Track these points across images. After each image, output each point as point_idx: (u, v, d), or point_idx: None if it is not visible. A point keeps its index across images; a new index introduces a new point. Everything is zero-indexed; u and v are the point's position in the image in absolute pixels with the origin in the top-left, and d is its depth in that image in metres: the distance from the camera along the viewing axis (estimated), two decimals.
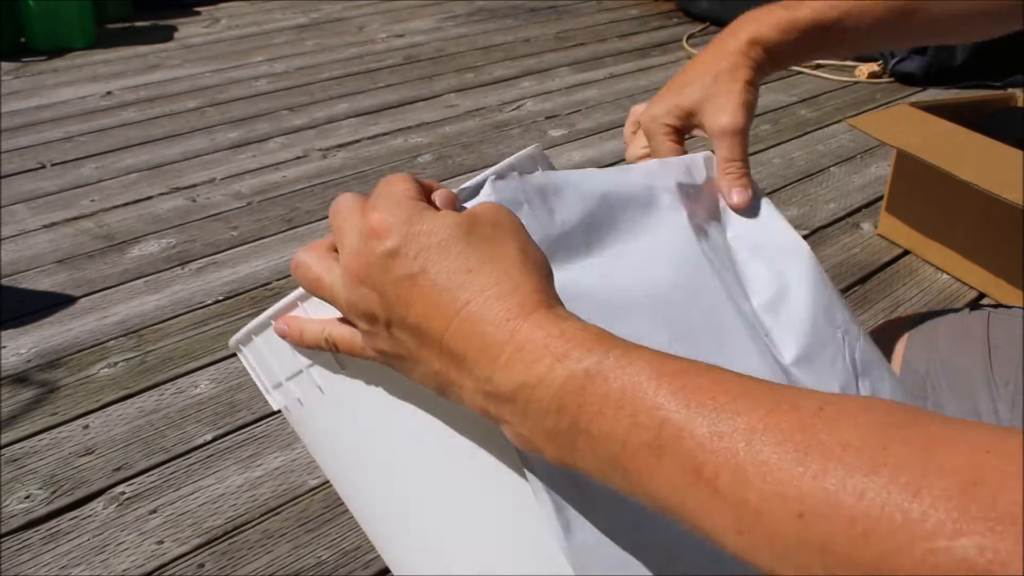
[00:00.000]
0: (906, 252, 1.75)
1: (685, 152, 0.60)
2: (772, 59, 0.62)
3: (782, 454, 0.29)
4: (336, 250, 0.42)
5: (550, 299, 0.38)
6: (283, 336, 0.46)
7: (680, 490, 0.31)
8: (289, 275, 1.66)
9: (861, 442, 0.28)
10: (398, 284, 0.38)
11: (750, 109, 0.60)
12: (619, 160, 2.21)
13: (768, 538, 0.28)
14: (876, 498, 0.26)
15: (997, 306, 0.74)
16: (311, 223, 1.85)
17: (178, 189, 2.04)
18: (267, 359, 0.48)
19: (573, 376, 0.34)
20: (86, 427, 1.27)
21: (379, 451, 0.45)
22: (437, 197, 0.41)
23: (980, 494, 0.25)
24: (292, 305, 0.46)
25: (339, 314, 0.43)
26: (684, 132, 0.63)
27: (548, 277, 0.39)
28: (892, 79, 2.74)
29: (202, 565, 1.04)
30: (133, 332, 1.49)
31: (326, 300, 0.42)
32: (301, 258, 0.43)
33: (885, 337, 0.80)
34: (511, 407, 0.36)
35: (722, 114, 0.59)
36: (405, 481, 0.44)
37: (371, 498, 0.47)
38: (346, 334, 0.43)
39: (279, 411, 0.50)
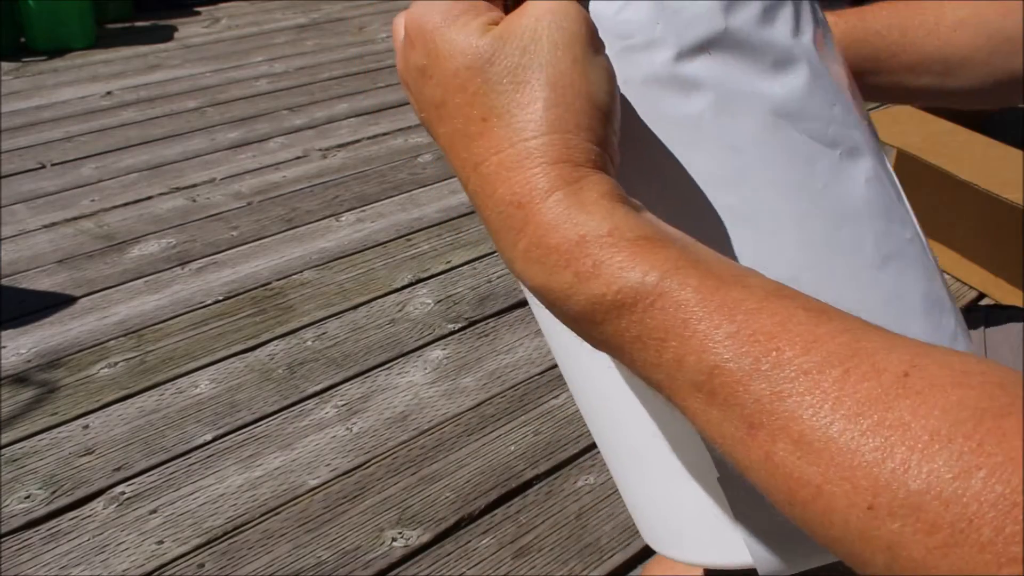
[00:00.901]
0: None
1: None
2: None
3: (856, 435, 0.24)
4: None
5: (575, 171, 0.29)
6: None
7: (730, 442, 0.27)
8: (288, 275, 1.66)
9: (952, 432, 0.23)
10: (428, 106, 0.32)
11: None
12: None
13: (825, 520, 0.25)
14: (965, 509, 0.22)
15: (994, 306, 0.74)
16: (311, 223, 1.85)
17: (178, 189, 2.04)
18: None
19: (601, 299, 0.28)
20: (86, 427, 1.26)
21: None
22: None
23: None
24: None
25: None
26: None
27: (596, 125, 0.30)
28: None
29: (202, 565, 1.04)
30: (133, 332, 1.49)
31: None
32: (396, 22, 0.36)
33: None
34: (539, 296, 0.30)
35: None
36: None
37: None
38: None
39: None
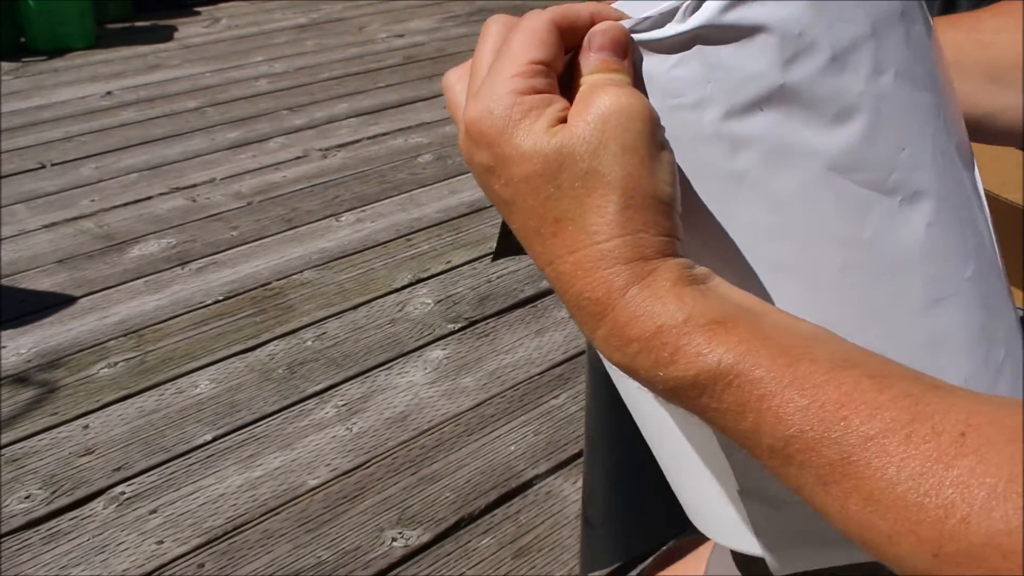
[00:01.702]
0: None
1: None
2: None
3: (920, 494, 0.26)
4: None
5: (647, 266, 0.31)
6: None
7: (807, 492, 0.29)
8: (288, 275, 1.66)
9: (1007, 489, 0.25)
10: (498, 200, 0.33)
11: None
12: None
13: (896, 561, 0.27)
14: (1019, 562, 0.24)
15: None
16: (311, 223, 1.85)
17: (178, 189, 2.04)
18: None
19: (681, 383, 0.30)
20: (86, 427, 1.26)
21: None
22: (595, 43, 0.33)
23: None
24: None
25: None
26: None
27: (663, 218, 0.32)
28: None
29: (202, 565, 1.04)
30: (133, 332, 1.49)
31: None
32: (448, 80, 0.36)
33: None
34: (623, 371, 0.32)
35: None
36: None
37: None
38: None
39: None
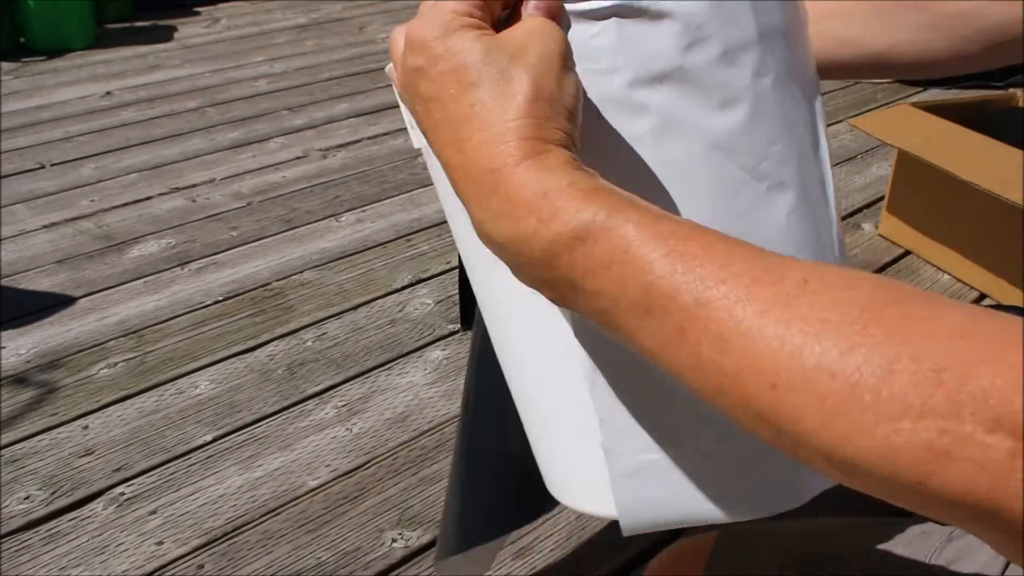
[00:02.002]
0: (907, 252, 1.75)
1: None
2: None
3: (762, 326, 0.29)
4: None
5: (543, 146, 0.36)
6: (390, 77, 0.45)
7: (666, 349, 0.32)
8: (288, 275, 1.66)
9: (840, 319, 0.28)
10: (420, 103, 0.38)
11: None
12: None
13: (744, 403, 0.30)
14: (848, 378, 0.27)
15: (994, 307, 0.74)
16: (311, 223, 1.85)
17: (178, 189, 2.04)
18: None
19: (559, 237, 0.34)
20: (86, 428, 1.26)
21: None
22: (531, 5, 0.40)
23: (948, 379, 0.25)
24: None
25: None
26: None
27: (562, 119, 0.37)
28: (894, 79, 2.74)
29: (202, 566, 1.04)
30: (133, 332, 1.49)
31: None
32: (394, 33, 0.42)
33: None
34: (504, 253, 0.36)
35: None
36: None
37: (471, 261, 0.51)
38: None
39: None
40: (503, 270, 0.39)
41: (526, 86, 0.36)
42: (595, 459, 0.45)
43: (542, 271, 0.35)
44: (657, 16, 0.40)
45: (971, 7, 0.54)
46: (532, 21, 0.38)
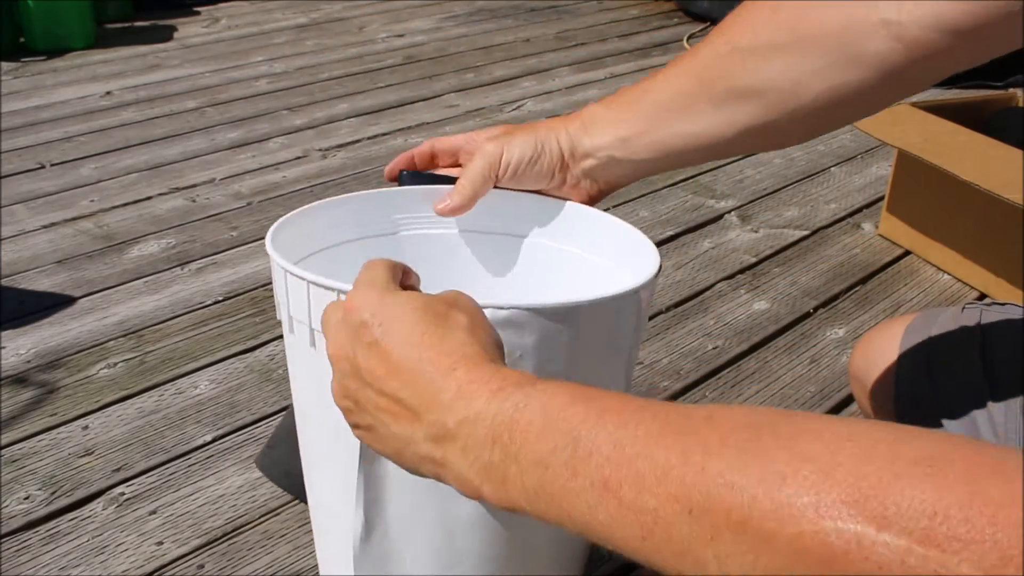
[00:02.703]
0: (907, 252, 1.75)
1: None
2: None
3: (673, 456, 0.31)
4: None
5: (492, 358, 0.42)
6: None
7: (593, 506, 0.34)
8: None
9: (738, 438, 0.30)
10: (367, 350, 0.43)
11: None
12: None
13: (667, 539, 0.31)
14: (747, 487, 0.28)
15: (991, 303, 0.74)
16: None
17: (178, 189, 2.04)
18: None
19: (503, 410, 0.38)
20: (85, 428, 1.26)
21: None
22: (414, 278, 0.50)
23: (840, 480, 0.26)
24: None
25: None
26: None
27: (496, 347, 0.44)
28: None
29: (202, 566, 1.04)
30: (133, 333, 1.49)
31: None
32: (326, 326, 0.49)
33: (883, 336, 0.80)
34: (454, 444, 0.40)
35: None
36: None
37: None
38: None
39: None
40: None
41: (466, 323, 0.44)
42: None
43: (486, 452, 0.38)
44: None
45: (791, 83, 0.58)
46: (447, 291, 0.47)
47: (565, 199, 0.70)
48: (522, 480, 0.37)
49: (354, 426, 0.47)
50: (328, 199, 0.75)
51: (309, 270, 0.60)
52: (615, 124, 0.65)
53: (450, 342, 0.42)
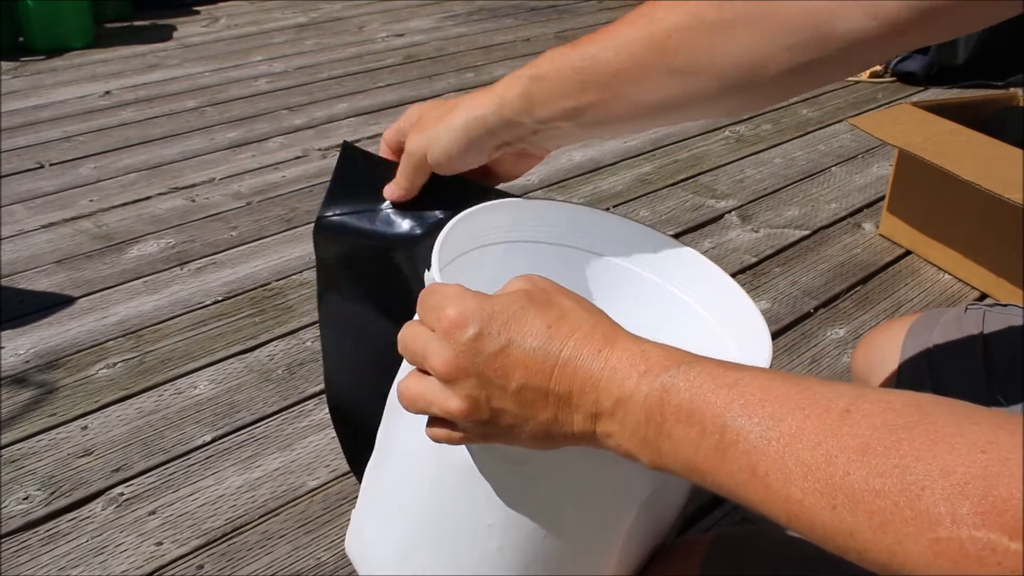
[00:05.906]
0: (908, 252, 1.75)
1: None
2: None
3: (817, 457, 0.35)
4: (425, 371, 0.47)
5: (619, 328, 0.44)
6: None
7: (742, 485, 0.37)
8: (288, 275, 1.66)
9: (878, 444, 0.33)
10: (492, 360, 0.43)
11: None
12: (619, 160, 2.20)
13: (811, 525, 0.35)
14: (889, 495, 0.32)
15: (993, 304, 0.74)
16: (311, 223, 1.84)
17: (177, 189, 2.04)
18: None
19: (652, 392, 0.40)
20: (85, 428, 1.26)
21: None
22: None
23: (972, 492, 0.30)
24: None
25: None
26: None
27: (604, 313, 0.45)
28: (894, 78, 2.74)
29: (201, 566, 1.03)
30: (132, 333, 1.49)
31: (436, 414, 0.48)
32: (404, 389, 0.48)
33: (885, 336, 0.80)
34: (612, 421, 0.42)
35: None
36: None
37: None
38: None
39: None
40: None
41: (574, 303, 0.45)
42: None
43: (642, 429, 0.41)
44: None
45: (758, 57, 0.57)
46: (519, 277, 0.48)
47: (693, 250, 0.66)
48: (675, 454, 0.40)
49: (483, 436, 0.47)
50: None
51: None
52: (563, 96, 0.61)
53: (579, 325, 0.43)
